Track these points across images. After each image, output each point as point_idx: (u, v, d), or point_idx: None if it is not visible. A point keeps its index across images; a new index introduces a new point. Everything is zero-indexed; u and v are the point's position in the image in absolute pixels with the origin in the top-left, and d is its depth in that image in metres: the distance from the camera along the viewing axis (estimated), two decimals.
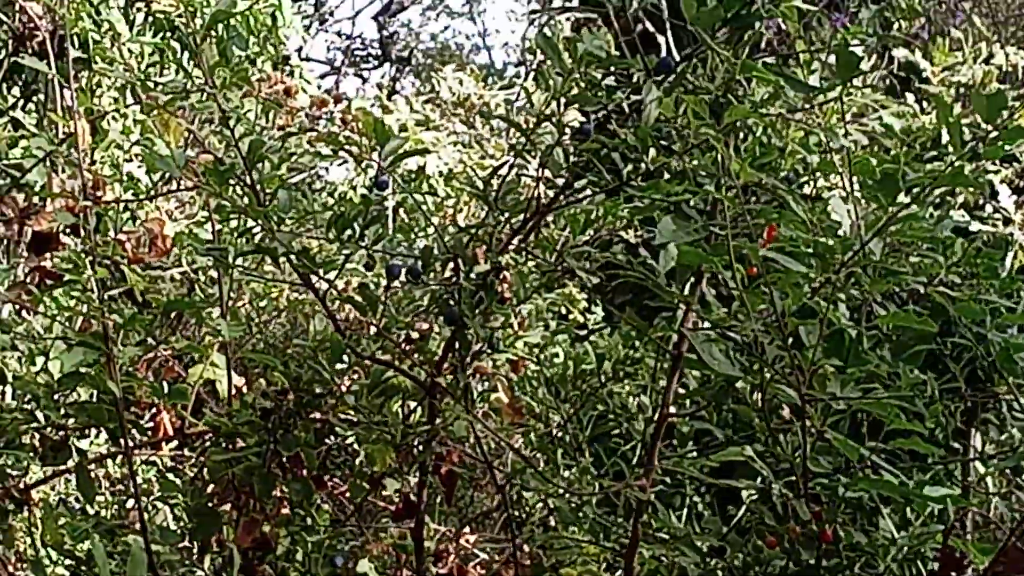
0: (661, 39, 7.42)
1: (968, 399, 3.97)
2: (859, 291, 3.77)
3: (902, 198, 3.80)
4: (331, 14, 11.49)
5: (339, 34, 12.43)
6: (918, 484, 3.80)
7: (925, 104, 7.08)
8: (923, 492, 3.72)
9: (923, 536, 3.76)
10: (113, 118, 5.20)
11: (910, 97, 7.14)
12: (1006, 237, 5.88)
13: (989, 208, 6.47)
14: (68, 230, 4.98)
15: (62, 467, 4.72)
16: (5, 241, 5.10)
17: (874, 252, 3.55)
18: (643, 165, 3.82)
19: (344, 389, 4.36)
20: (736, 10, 3.80)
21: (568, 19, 10.69)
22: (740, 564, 3.96)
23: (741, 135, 3.95)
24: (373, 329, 4.24)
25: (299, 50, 7.33)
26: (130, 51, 5.52)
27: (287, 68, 7.42)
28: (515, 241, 4.04)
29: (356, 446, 4.51)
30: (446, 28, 13.39)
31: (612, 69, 4.04)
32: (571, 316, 4.86)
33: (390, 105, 7.89)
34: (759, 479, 3.99)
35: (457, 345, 4.04)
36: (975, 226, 6.19)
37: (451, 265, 3.98)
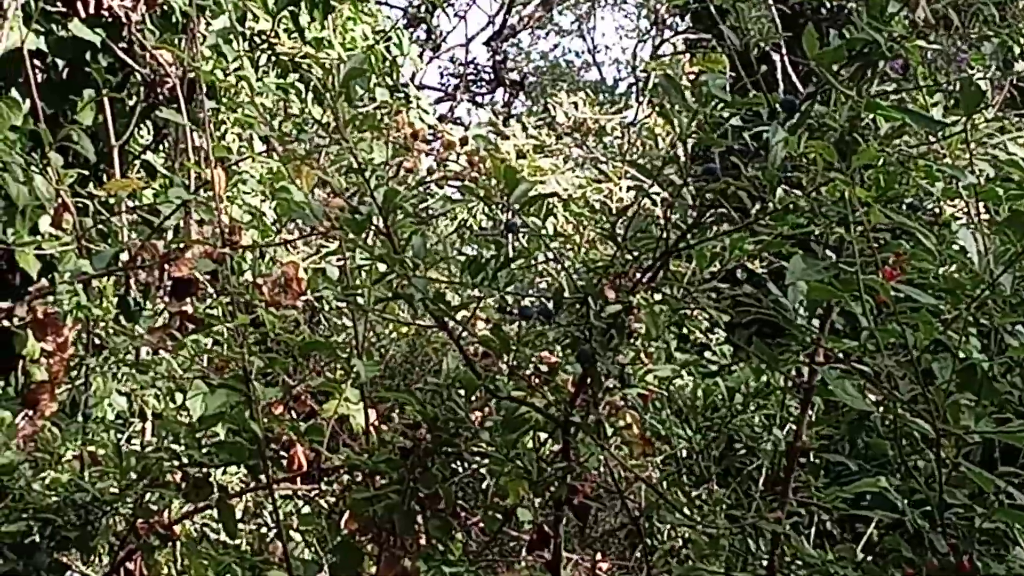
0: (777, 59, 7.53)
1: None
2: (989, 322, 3.68)
3: None
4: (444, 41, 11.59)
5: (452, 60, 12.53)
6: None
7: None
8: None
9: None
10: (246, 165, 5.29)
11: None
12: None
13: None
14: (209, 276, 5.01)
15: (203, 503, 4.72)
16: (146, 286, 5.17)
17: (1004, 286, 3.51)
18: (770, 204, 3.82)
19: (477, 424, 4.36)
20: (859, 49, 3.80)
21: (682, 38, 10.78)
22: None
23: (867, 168, 3.96)
24: (504, 366, 4.24)
25: (413, 77, 7.40)
26: (257, 93, 5.60)
27: (403, 95, 7.57)
28: (647, 277, 4.04)
29: (488, 477, 4.53)
30: (556, 47, 13.48)
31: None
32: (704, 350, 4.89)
33: (506, 131, 7.96)
34: (893, 509, 3.96)
35: (589, 381, 4.03)
36: None
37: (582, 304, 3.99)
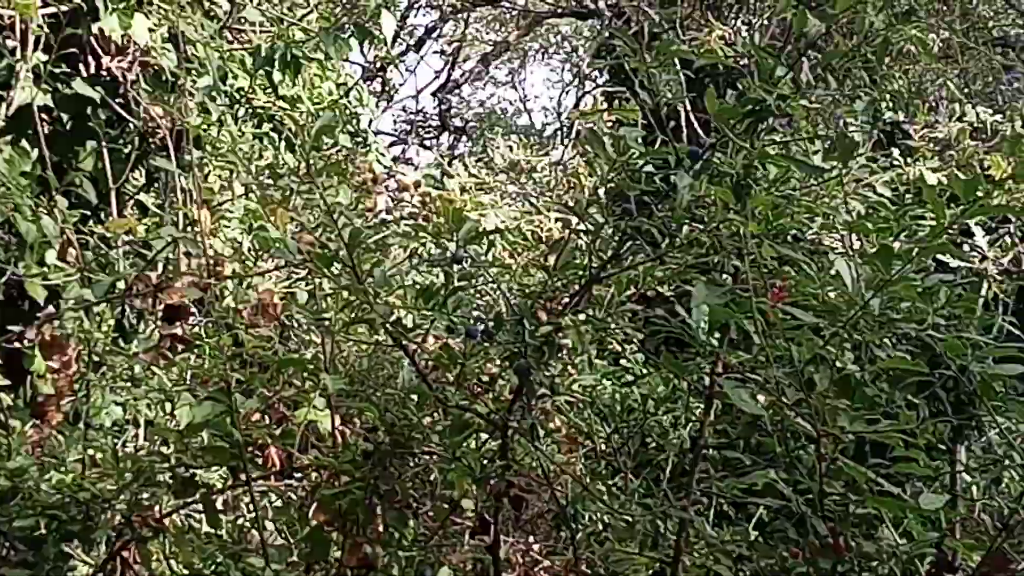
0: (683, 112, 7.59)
1: (954, 420, 3.95)
2: (861, 337, 3.71)
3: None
4: (396, 92, 11.68)
5: (404, 109, 12.63)
6: (914, 495, 3.79)
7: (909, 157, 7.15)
8: (919, 504, 3.69)
9: (921, 543, 3.72)
10: (228, 205, 5.33)
11: (895, 151, 7.21)
12: (982, 272, 5.91)
13: (966, 246, 6.53)
14: (196, 303, 5.01)
15: (190, 499, 4.69)
16: (140, 312, 5.17)
17: (874, 307, 3.56)
18: (677, 239, 3.87)
19: (428, 428, 4.33)
20: (751, 106, 3.80)
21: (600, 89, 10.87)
22: (768, 570, 3.95)
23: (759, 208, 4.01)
24: (451, 377, 4.21)
25: (370, 123, 7.42)
26: (237, 143, 5.63)
27: (363, 141, 7.61)
28: (573, 302, 4.05)
29: (437, 473, 4.47)
30: (492, 96, 13.57)
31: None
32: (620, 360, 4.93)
33: (451, 170, 8.03)
34: (780, 497, 3.94)
35: (524, 390, 4.03)
36: (954, 263, 6.25)
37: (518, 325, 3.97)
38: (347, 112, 6.43)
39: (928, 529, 3.66)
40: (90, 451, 5.01)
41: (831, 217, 4.11)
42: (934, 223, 3.83)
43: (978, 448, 3.94)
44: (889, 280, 3.54)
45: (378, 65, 7.92)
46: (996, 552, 3.48)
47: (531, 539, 4.88)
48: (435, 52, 12.70)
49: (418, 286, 4.28)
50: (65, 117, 5.62)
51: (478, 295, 4.64)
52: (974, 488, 3.80)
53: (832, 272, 3.79)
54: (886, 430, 3.60)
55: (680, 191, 3.76)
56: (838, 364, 3.69)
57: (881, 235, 4.20)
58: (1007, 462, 3.82)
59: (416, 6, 10.04)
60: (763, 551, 4.00)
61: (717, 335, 3.82)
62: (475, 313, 4.24)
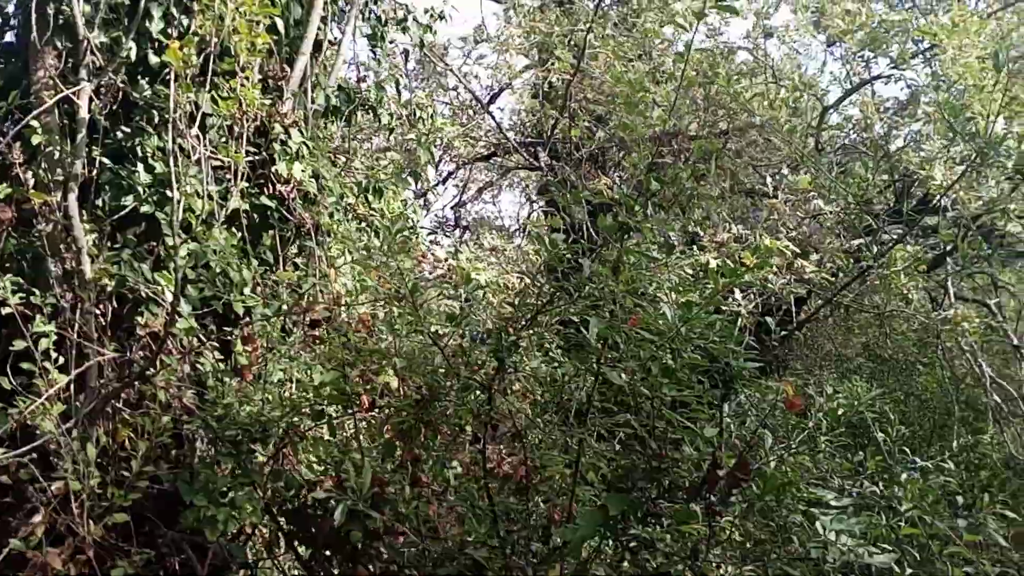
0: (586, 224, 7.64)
1: (722, 390, 3.87)
2: (677, 347, 3.69)
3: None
4: (431, 205, 11.86)
5: (436, 216, 12.79)
6: (701, 428, 3.76)
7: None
8: (704, 433, 3.71)
9: (704, 454, 3.67)
10: (343, 267, 5.34)
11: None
12: (738, 312, 5.78)
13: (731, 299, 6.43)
14: (326, 318, 5.02)
15: (321, 422, 4.73)
16: (295, 322, 5.14)
17: (683, 331, 3.63)
18: (582, 292, 3.90)
19: (449, 387, 4.34)
20: (620, 226, 3.87)
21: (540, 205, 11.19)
22: (625, 466, 3.97)
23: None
24: (462, 361, 4.20)
25: (417, 223, 7.49)
26: (347, 232, 5.59)
27: (416, 233, 7.53)
28: (527, 323, 4.06)
29: (453, 410, 4.42)
30: (482, 209, 13.80)
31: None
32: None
33: (461, 250, 8.07)
34: (633, 428, 3.99)
35: (500, 369, 4.05)
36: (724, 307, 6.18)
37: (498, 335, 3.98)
38: (407, 217, 6.47)
39: (707, 447, 3.62)
40: (267, 395, 4.91)
41: (662, 283, 4.10)
42: (712, 287, 4.08)
43: (734, 405, 3.83)
44: (690, 317, 3.60)
45: (424, 191, 8.12)
46: (742, 460, 3.50)
47: (502, 447, 4.85)
48: (453, 185, 12.85)
49: (446, 312, 4.29)
50: (256, 216, 5.57)
51: (477, 319, 4.68)
52: (731, 425, 3.72)
53: (661, 312, 3.76)
54: (687, 395, 3.67)
55: (584, 269, 3.83)
56: (663, 360, 3.70)
57: (686, 293, 4.17)
58: (748, 413, 3.85)
59: (442, 159, 10.29)
60: (622, 456, 4.03)
61: (601, 343, 3.77)
62: (476, 328, 4.25)
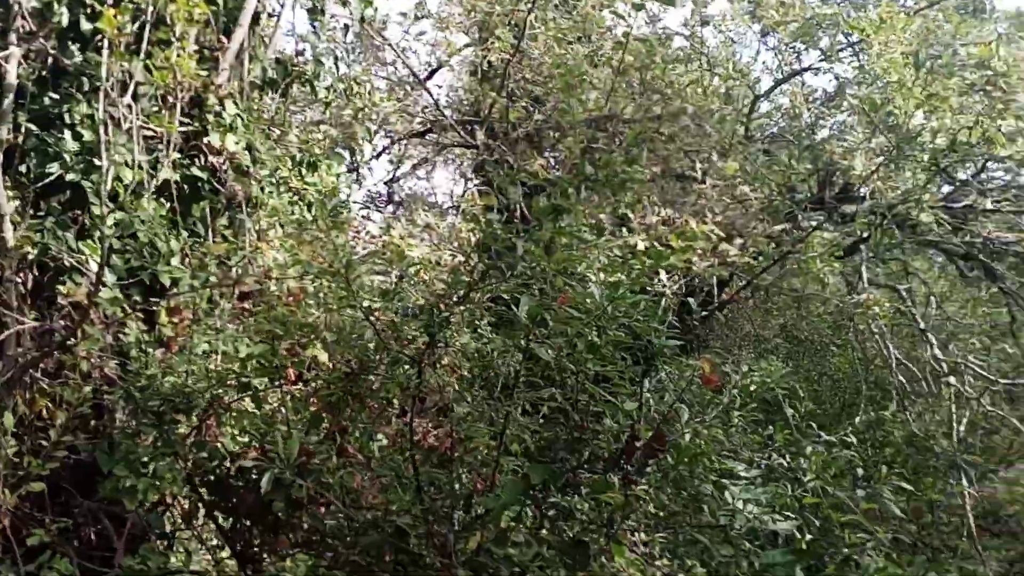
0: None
1: (644, 366, 3.92)
2: (603, 324, 3.78)
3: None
4: (364, 180, 11.74)
5: (369, 191, 12.70)
6: (622, 402, 3.85)
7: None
8: (624, 407, 3.81)
9: (624, 426, 3.76)
10: (275, 241, 5.24)
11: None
12: (663, 293, 5.85)
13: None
14: (257, 291, 4.98)
15: (246, 394, 4.68)
16: (222, 294, 5.11)
17: (609, 311, 3.75)
18: (514, 271, 3.91)
19: (379, 361, 4.35)
20: (554, 207, 3.92)
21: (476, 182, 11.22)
22: (548, 438, 4.07)
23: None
24: (392, 334, 4.22)
25: (348, 197, 7.38)
26: (279, 206, 5.54)
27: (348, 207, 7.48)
28: (459, 300, 4.09)
29: (382, 384, 4.41)
30: (416, 185, 13.70)
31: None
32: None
33: (394, 226, 8.05)
34: (558, 402, 4.06)
35: (430, 344, 4.07)
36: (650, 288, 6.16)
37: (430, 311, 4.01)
38: (340, 192, 6.44)
39: (627, 419, 3.69)
40: (191, 367, 4.83)
41: (591, 264, 4.18)
42: (639, 269, 4.24)
43: (655, 381, 3.91)
44: (616, 297, 3.71)
45: (356, 165, 8.10)
46: (658, 432, 3.63)
47: (428, 421, 4.85)
48: (388, 160, 12.81)
49: (379, 288, 4.29)
50: (187, 187, 5.51)
51: (410, 294, 4.72)
52: (651, 400, 3.79)
53: (590, 291, 3.86)
54: (610, 370, 3.77)
55: (518, 248, 3.87)
56: (589, 337, 3.79)
57: (615, 273, 4.31)
58: (668, 388, 3.94)
59: (377, 134, 10.27)
60: (547, 429, 4.11)
61: (530, 320, 3.81)
62: (408, 303, 4.26)
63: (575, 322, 3.76)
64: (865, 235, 7.45)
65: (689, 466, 3.38)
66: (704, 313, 7.75)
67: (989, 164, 8.65)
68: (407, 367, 4.23)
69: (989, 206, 7.39)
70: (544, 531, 3.71)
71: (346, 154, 6.63)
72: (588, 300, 3.84)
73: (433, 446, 4.53)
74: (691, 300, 4.51)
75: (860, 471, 3.42)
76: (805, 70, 8.76)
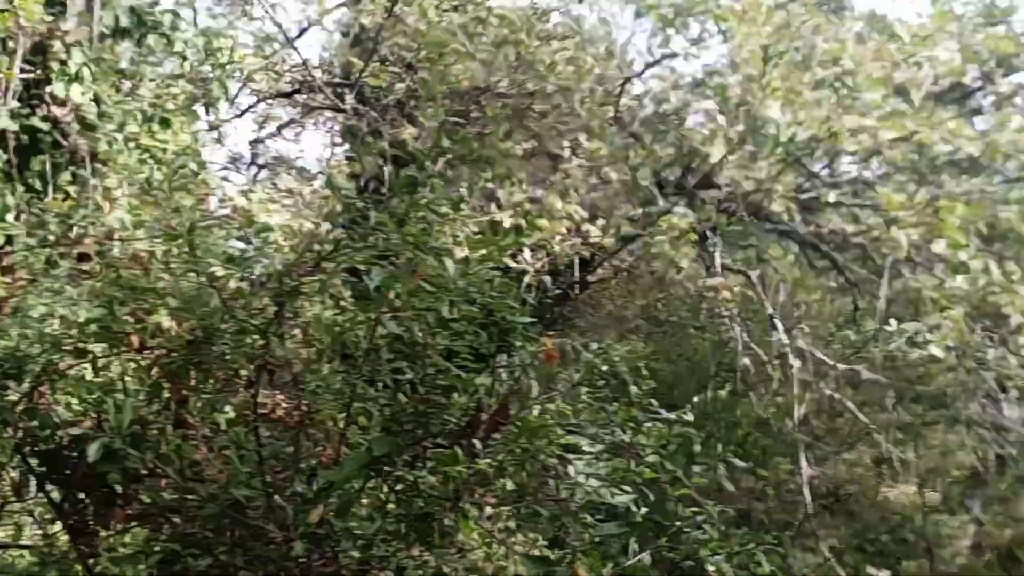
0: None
1: (497, 343, 3.96)
2: (455, 298, 3.80)
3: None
4: (225, 139, 11.36)
5: (230, 152, 12.30)
6: (472, 378, 3.89)
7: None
8: (475, 382, 3.87)
9: (472, 401, 3.81)
10: (120, 199, 5.16)
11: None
12: (525, 271, 5.96)
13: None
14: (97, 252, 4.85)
15: (84, 360, 4.58)
16: (62, 254, 4.97)
17: (462, 286, 3.76)
18: (367, 242, 3.92)
19: (224, 330, 4.20)
20: (409, 181, 3.90)
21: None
22: (395, 410, 4.02)
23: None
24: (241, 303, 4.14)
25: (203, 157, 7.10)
26: (126, 163, 5.47)
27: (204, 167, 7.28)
28: (310, 269, 4.04)
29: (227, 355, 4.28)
30: (284, 145, 13.36)
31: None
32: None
33: (255, 190, 7.90)
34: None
35: (279, 313, 4.03)
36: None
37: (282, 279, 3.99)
38: (195, 151, 6.26)
39: (475, 395, 3.73)
40: (26, 331, 4.67)
41: (450, 238, 4.23)
42: (499, 244, 4.26)
43: (509, 358, 3.97)
44: (467, 272, 3.77)
45: (217, 123, 7.85)
46: (503, 405, 3.71)
47: (279, 394, 4.73)
48: (253, 120, 12.43)
49: (227, 253, 4.17)
50: (26, 138, 5.38)
51: (263, 262, 4.61)
52: (503, 375, 3.86)
53: (446, 267, 3.87)
54: (459, 345, 3.83)
55: (371, 218, 3.88)
56: (442, 311, 3.80)
57: (475, 248, 4.26)
58: (521, 364, 3.97)
59: (242, 91, 9.97)
60: (395, 402, 4.03)
61: (384, 293, 3.81)
62: (258, 270, 4.18)
63: (426, 295, 3.78)
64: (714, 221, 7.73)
65: (530, 439, 3.45)
66: (558, 292, 7.87)
67: (842, 158, 9.09)
68: (255, 337, 4.14)
69: (832, 199, 7.79)
70: (391, 504, 3.72)
71: (203, 111, 6.37)
72: (442, 275, 3.85)
73: (281, 418, 4.46)
74: (546, 279, 4.56)
75: (697, 448, 3.57)
76: (671, 56, 8.95)
